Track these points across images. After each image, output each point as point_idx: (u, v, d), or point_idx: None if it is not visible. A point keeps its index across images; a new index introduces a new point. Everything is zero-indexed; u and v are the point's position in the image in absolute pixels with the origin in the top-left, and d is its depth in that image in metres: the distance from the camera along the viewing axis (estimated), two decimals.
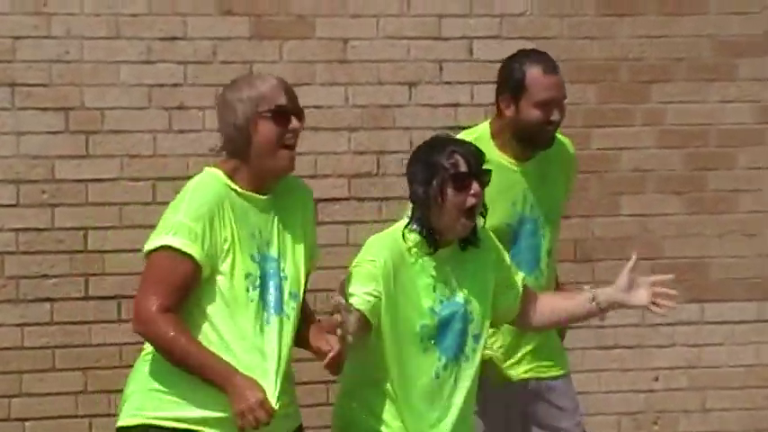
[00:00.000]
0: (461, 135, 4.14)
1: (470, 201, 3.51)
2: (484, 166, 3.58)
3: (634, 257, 3.80)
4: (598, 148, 5.84)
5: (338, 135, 5.65)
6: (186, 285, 3.28)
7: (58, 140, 5.39)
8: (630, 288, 3.78)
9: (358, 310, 3.33)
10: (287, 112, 3.37)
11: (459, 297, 3.59)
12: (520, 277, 3.80)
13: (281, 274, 3.39)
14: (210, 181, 3.39)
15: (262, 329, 3.33)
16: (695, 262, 5.94)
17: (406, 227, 3.57)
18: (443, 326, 3.55)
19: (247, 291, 3.32)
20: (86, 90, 5.41)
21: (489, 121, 4.27)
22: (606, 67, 5.86)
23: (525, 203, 4.17)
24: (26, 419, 5.40)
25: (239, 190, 3.36)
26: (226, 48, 5.53)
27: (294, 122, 3.38)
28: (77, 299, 5.43)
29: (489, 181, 3.60)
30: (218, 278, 3.30)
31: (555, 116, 4.07)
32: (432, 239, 3.54)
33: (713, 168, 5.98)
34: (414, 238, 3.54)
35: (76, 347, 5.43)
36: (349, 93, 5.64)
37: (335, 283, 5.59)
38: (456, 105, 5.73)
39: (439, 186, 3.48)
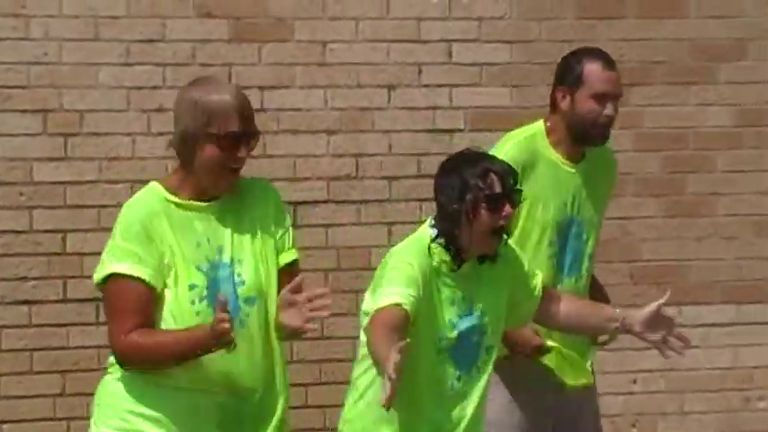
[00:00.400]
0: (514, 134, 4.19)
1: (501, 221, 3.47)
2: (516, 186, 3.54)
3: (667, 295, 3.75)
4: None
5: (317, 138, 5.65)
6: (146, 305, 3.22)
7: (37, 142, 5.37)
8: (652, 324, 3.74)
9: (404, 309, 3.28)
10: (236, 139, 3.24)
11: (476, 311, 3.55)
12: (538, 281, 3.73)
13: (236, 280, 3.28)
14: (143, 197, 3.34)
15: None
16: (674, 265, 5.96)
17: (432, 240, 3.51)
18: (461, 339, 3.51)
19: (192, 303, 3.24)
20: (65, 92, 5.40)
21: (544, 119, 4.27)
22: None
23: (574, 205, 4.20)
24: (4, 422, 5.39)
25: (180, 201, 3.28)
26: (205, 50, 5.52)
27: (242, 151, 3.26)
28: (55, 301, 5.41)
29: (521, 200, 3.58)
30: (166, 292, 3.24)
31: (609, 110, 4.09)
32: (458, 256, 3.49)
33: (692, 171, 6.00)
34: (440, 252, 3.48)
35: (54, 350, 5.41)
36: (328, 95, 5.64)
37: (315, 285, 5.65)
38: (435, 108, 5.73)
39: (472, 205, 3.43)
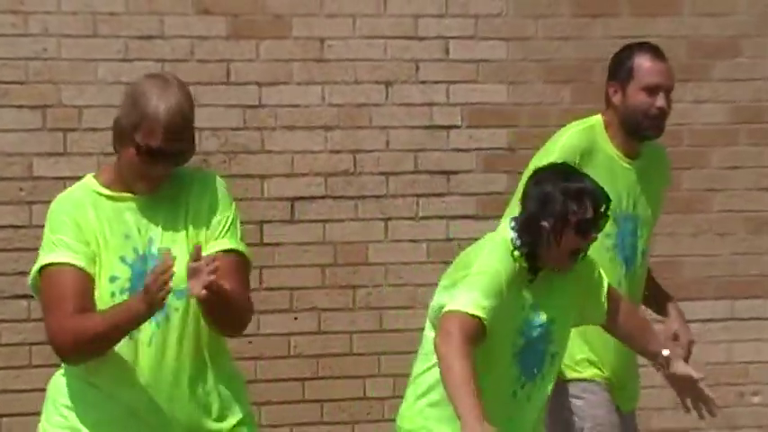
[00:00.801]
0: (573, 125, 4.17)
1: (583, 245, 3.46)
2: (606, 210, 3.48)
3: (703, 378, 3.86)
4: None
5: (315, 134, 5.65)
6: (82, 291, 3.14)
7: (36, 138, 5.37)
8: (686, 387, 3.83)
9: (483, 323, 3.26)
10: (154, 155, 3.12)
11: (545, 317, 3.51)
12: (606, 291, 3.69)
13: None
14: (71, 191, 3.30)
15: (131, 337, 3.14)
16: (668, 260, 5.96)
17: (515, 248, 3.44)
18: (529, 345, 3.49)
19: (112, 295, 3.16)
20: (64, 87, 5.40)
21: (601, 112, 4.24)
22: (581, 67, 5.88)
23: (629, 200, 4.16)
24: (3, 416, 5.39)
25: (110, 193, 3.21)
26: (203, 47, 5.52)
27: (159, 168, 3.15)
28: None
29: (605, 224, 3.54)
30: (96, 283, 3.17)
31: (660, 102, 4.08)
32: (534, 267, 3.46)
33: (687, 168, 6.01)
34: (520, 258, 3.43)
35: None
36: (325, 92, 5.64)
37: (311, 281, 5.67)
38: (432, 105, 5.74)
39: (560, 226, 3.38)
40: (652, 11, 5.94)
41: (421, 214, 5.75)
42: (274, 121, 5.59)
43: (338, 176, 5.65)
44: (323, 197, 5.64)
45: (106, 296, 3.16)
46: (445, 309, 3.32)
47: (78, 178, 5.34)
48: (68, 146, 5.40)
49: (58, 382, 3.31)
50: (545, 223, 3.39)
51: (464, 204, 5.79)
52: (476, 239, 3.74)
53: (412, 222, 5.74)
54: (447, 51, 5.74)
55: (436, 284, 3.65)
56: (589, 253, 3.61)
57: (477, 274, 3.36)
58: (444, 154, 5.78)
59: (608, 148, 4.10)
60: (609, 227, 3.79)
